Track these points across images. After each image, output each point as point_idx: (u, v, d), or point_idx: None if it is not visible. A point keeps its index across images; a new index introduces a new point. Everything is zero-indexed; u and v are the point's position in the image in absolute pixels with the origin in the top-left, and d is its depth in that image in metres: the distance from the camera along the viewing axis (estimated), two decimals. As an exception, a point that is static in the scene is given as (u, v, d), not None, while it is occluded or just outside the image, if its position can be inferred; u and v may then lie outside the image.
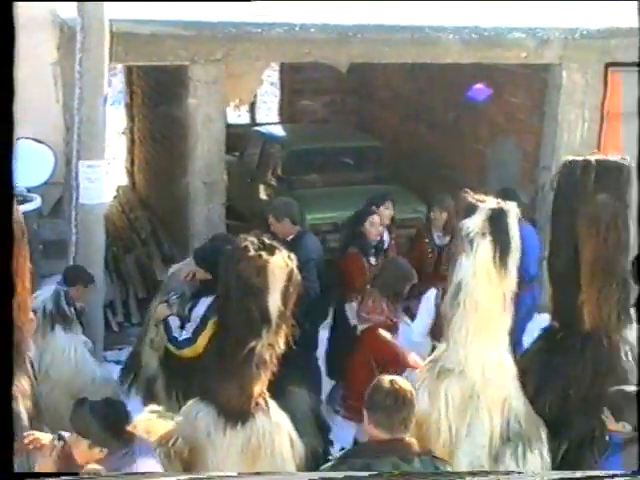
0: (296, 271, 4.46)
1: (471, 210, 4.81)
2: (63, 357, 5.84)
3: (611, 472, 4.21)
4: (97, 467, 3.78)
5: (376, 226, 7.15)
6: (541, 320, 7.34)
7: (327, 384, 6.94)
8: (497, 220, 4.77)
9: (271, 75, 16.05)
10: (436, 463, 3.88)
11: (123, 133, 14.60)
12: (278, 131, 12.63)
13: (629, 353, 5.30)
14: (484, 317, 4.84)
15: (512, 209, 4.84)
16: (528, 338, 6.95)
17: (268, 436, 4.53)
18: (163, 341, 5.72)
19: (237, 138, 11.37)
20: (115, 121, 14.42)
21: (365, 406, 3.85)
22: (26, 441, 4.08)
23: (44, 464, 3.99)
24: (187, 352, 5.40)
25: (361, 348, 5.99)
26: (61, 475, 3.92)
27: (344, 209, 9.80)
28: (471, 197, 4.88)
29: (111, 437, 3.86)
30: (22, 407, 4.45)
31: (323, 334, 7.28)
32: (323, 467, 3.95)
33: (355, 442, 5.75)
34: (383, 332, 5.96)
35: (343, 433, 6.02)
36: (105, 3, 6.52)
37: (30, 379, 4.64)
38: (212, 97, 8.22)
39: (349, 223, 7.58)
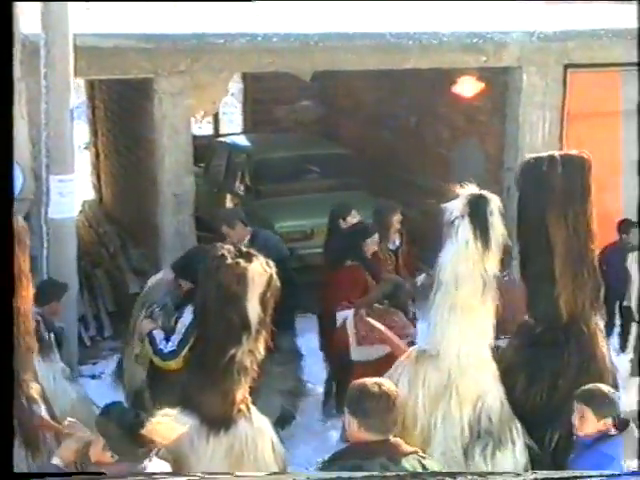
0: (275, 277, 4.48)
1: (454, 197, 5.07)
2: None
3: (609, 472, 4.28)
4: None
5: (375, 244, 7.18)
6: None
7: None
8: (475, 203, 4.99)
9: (231, 86, 16.07)
10: (423, 462, 3.90)
11: (86, 148, 14.54)
12: (243, 141, 12.68)
13: (605, 340, 5.47)
14: (463, 296, 4.99)
15: (493, 197, 5.09)
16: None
17: (251, 441, 4.55)
18: (148, 355, 5.71)
19: (201, 149, 11.39)
20: (78, 136, 14.35)
21: (352, 412, 3.82)
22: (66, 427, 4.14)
23: (64, 451, 4.04)
24: (172, 364, 5.41)
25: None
26: (61, 475, 3.95)
27: (312, 217, 9.91)
28: (455, 187, 5.10)
29: (126, 444, 3.89)
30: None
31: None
32: (312, 468, 3.99)
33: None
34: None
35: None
36: (69, 17, 6.51)
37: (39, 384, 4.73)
38: (177, 109, 8.26)
39: (347, 237, 7.42)
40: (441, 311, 5.06)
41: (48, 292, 6.18)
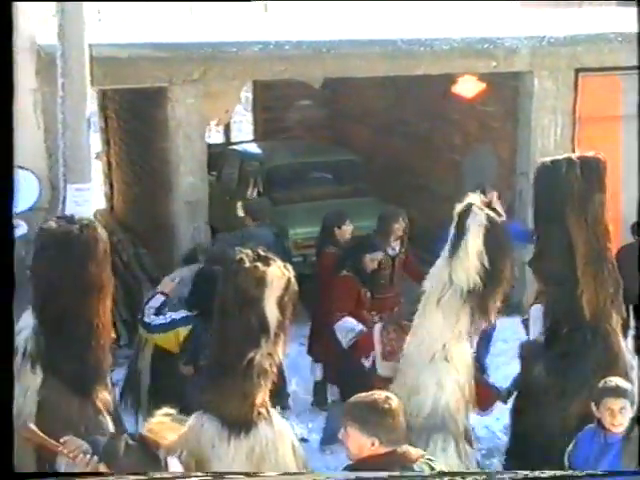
0: (293, 280, 4.52)
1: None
2: None
3: (609, 472, 4.32)
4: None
5: (375, 262, 7.17)
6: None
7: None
8: (459, 214, 5.20)
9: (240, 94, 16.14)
10: (431, 464, 3.91)
11: (96, 157, 14.60)
12: (254, 149, 12.71)
13: (626, 340, 5.58)
14: (430, 301, 5.34)
15: (479, 212, 5.14)
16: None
17: (271, 445, 4.58)
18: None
19: (213, 157, 11.44)
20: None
21: (361, 427, 3.79)
22: (63, 444, 4.08)
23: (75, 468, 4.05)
24: (155, 338, 5.56)
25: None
26: (61, 475, 3.97)
27: (325, 224, 9.94)
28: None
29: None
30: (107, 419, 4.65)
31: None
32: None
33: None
34: None
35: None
36: (85, 28, 6.57)
37: (110, 394, 4.80)
38: (191, 117, 8.32)
39: (350, 248, 7.46)
40: (418, 314, 5.39)
41: None
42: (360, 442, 3.80)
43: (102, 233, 4.80)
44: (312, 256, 9.68)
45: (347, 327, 6.70)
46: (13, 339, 4.32)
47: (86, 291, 4.74)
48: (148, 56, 7.94)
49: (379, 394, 3.89)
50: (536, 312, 6.28)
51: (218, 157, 11.92)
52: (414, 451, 3.91)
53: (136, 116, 10.99)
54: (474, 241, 5.10)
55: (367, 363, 6.08)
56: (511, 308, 9.44)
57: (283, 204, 10.55)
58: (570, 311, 5.52)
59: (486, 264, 5.12)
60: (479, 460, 5.97)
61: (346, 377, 6.94)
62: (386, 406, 3.81)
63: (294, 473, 4.45)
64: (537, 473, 4.40)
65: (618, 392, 4.64)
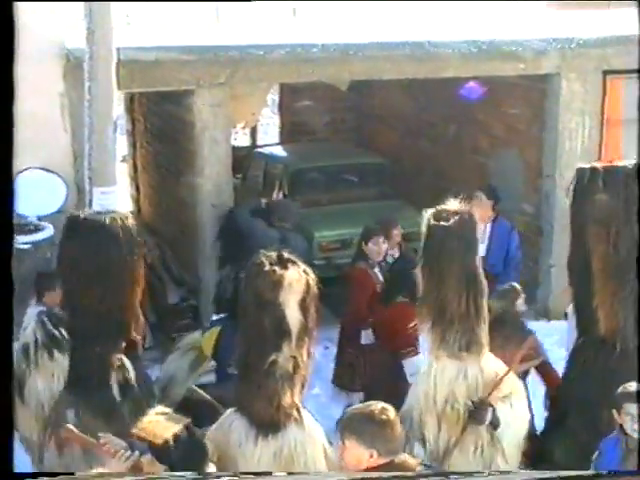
0: (313, 283, 4.55)
1: None
2: None
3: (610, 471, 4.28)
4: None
5: (380, 245, 7.24)
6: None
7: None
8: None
9: (267, 97, 16.16)
10: (429, 470, 3.98)
11: (123, 161, 14.66)
12: (280, 152, 12.70)
13: None
14: None
15: (451, 225, 4.97)
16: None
17: (300, 447, 4.58)
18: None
19: (239, 160, 11.46)
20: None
21: (359, 439, 3.77)
22: (102, 441, 4.15)
23: (114, 467, 4.05)
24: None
25: None
26: (61, 475, 3.98)
27: (351, 226, 9.91)
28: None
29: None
30: None
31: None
32: None
33: None
34: None
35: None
36: (113, 31, 6.60)
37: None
38: (217, 120, 8.33)
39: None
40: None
41: (40, 284, 6.25)
42: (358, 454, 3.79)
43: (131, 222, 4.81)
44: (336, 259, 9.71)
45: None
46: (12, 340, 4.35)
47: (115, 277, 4.76)
48: (175, 59, 7.95)
49: (375, 405, 3.88)
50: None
51: (244, 160, 11.95)
52: (412, 460, 3.93)
53: (162, 119, 11.02)
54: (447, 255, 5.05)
55: None
56: (537, 312, 9.46)
57: (308, 207, 10.54)
58: (586, 322, 5.42)
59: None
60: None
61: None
62: (384, 417, 3.80)
63: (298, 473, 4.43)
64: (539, 473, 4.38)
65: (638, 397, 4.56)
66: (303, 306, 4.51)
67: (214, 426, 4.66)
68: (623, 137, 9.25)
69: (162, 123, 11.13)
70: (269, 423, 4.55)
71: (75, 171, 7.76)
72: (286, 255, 4.56)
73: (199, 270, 8.90)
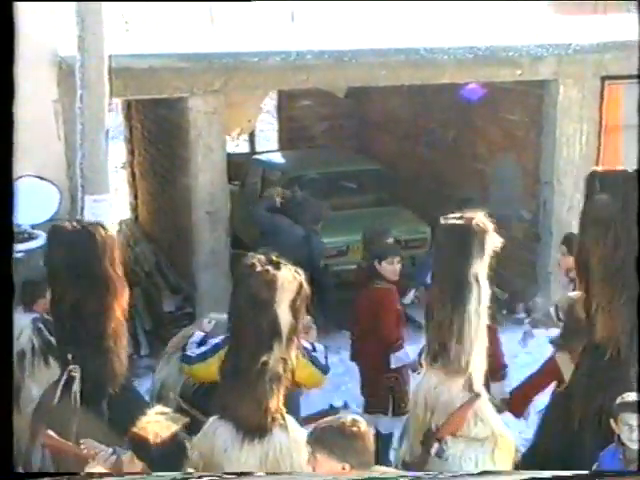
0: (305, 284, 4.52)
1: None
2: None
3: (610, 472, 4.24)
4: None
5: (395, 265, 6.83)
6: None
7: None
8: None
9: (267, 103, 16.15)
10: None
11: (122, 167, 14.66)
12: (278, 158, 12.68)
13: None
14: None
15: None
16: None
17: (286, 451, 4.56)
18: None
19: (237, 167, 11.42)
20: (116, 155, 14.49)
21: (333, 455, 3.71)
22: (82, 447, 4.16)
23: (95, 467, 4.06)
24: (197, 368, 5.41)
25: None
26: (61, 475, 3.97)
27: (348, 233, 9.89)
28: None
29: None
30: None
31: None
32: None
33: None
34: None
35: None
36: (104, 39, 6.56)
37: None
38: (212, 127, 8.28)
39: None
40: None
41: (30, 292, 6.23)
42: (330, 468, 3.73)
43: (110, 233, 4.80)
44: (334, 266, 9.66)
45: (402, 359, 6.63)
46: (12, 341, 4.32)
47: (94, 287, 4.73)
48: (169, 66, 7.91)
49: (344, 417, 3.83)
50: None
51: (242, 166, 11.92)
52: (391, 470, 3.91)
53: (158, 125, 11.00)
54: None
55: None
56: (535, 320, 9.39)
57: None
58: (585, 325, 5.36)
59: None
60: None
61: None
62: (354, 429, 3.75)
63: (281, 473, 4.40)
64: (538, 473, 4.34)
65: (635, 407, 4.50)
66: (294, 307, 4.51)
67: (198, 435, 4.62)
68: (623, 143, 9.19)
69: (158, 130, 11.12)
70: (256, 427, 4.53)
71: (69, 179, 7.72)
72: (275, 258, 4.54)
73: (195, 277, 8.86)
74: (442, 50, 8.64)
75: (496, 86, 9.60)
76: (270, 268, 4.44)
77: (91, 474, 3.93)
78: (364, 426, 3.79)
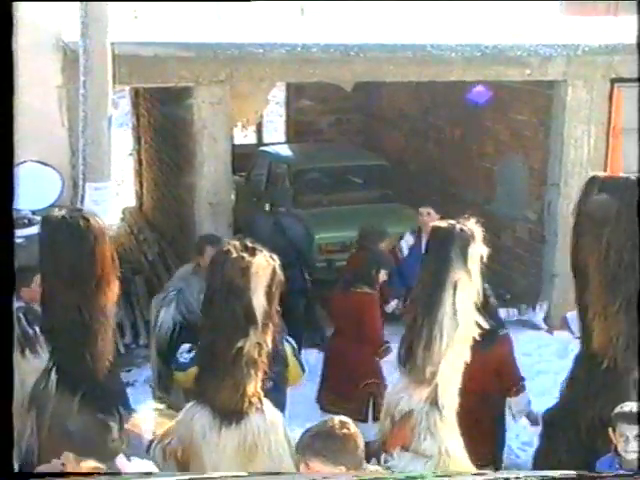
0: (278, 270, 4.55)
1: None
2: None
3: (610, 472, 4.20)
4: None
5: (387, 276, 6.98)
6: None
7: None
8: None
9: (277, 95, 16.12)
10: None
11: (130, 155, 14.66)
12: (284, 151, 12.65)
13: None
14: None
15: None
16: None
17: (264, 434, 4.57)
18: None
19: (244, 158, 11.39)
20: (123, 143, 14.50)
21: (327, 461, 3.61)
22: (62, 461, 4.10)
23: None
24: (179, 375, 5.46)
25: None
26: (61, 475, 3.95)
27: (352, 229, 9.82)
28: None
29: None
30: None
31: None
32: None
33: None
34: None
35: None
36: (108, 25, 6.52)
37: None
38: (217, 118, 8.24)
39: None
40: None
41: (18, 279, 6.14)
42: (314, 468, 3.65)
43: (101, 224, 4.76)
44: (337, 261, 9.62)
45: None
46: (12, 339, 4.29)
47: (81, 277, 4.69)
48: (174, 55, 7.87)
49: (332, 421, 3.75)
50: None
51: (248, 158, 11.89)
52: (384, 471, 3.94)
53: (165, 115, 10.97)
54: None
55: None
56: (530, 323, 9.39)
57: (309, 208, 10.47)
58: (583, 334, 5.30)
59: None
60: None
61: None
62: (345, 431, 3.68)
63: (290, 473, 4.38)
64: (538, 473, 4.30)
65: (632, 418, 4.45)
66: (269, 293, 4.53)
67: (175, 420, 4.65)
68: (626, 146, 9.11)
69: (164, 119, 11.09)
70: (233, 411, 4.54)
71: (72, 166, 7.69)
72: (250, 244, 4.56)
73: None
74: (450, 47, 8.57)
75: (505, 86, 9.53)
76: (245, 255, 4.47)
77: (91, 474, 3.90)
78: (353, 427, 3.74)
